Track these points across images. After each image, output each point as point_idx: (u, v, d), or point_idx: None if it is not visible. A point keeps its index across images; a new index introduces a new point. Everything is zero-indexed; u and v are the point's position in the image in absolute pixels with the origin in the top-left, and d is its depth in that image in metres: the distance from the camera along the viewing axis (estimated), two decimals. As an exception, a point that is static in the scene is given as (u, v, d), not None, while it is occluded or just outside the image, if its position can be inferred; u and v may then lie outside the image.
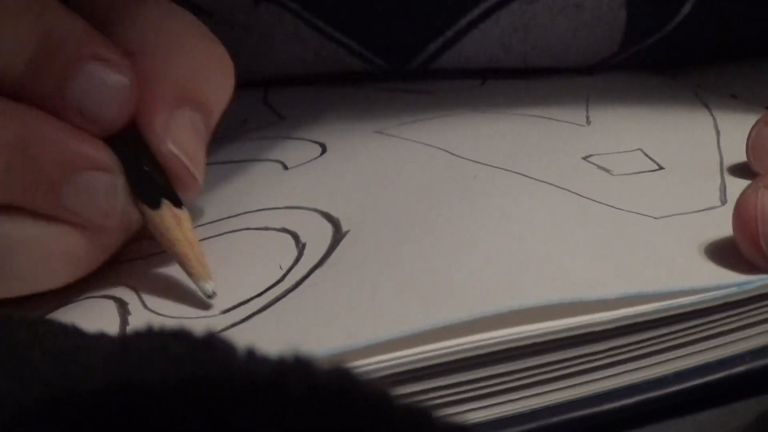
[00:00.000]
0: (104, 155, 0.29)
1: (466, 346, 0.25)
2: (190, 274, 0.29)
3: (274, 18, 0.42)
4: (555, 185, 0.32)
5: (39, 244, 0.29)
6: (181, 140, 0.30)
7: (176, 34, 0.31)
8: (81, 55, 0.28)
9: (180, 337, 0.19)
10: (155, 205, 0.29)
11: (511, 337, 0.25)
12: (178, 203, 0.30)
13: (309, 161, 0.37)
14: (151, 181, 0.29)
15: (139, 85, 0.29)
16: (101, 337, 0.20)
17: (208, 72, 0.31)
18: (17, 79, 0.28)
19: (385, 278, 0.28)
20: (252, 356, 0.19)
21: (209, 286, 0.28)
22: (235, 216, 0.34)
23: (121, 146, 0.29)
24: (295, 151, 0.38)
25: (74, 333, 0.21)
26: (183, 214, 0.30)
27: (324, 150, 0.38)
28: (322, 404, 0.17)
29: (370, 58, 0.43)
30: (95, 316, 0.29)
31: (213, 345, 0.19)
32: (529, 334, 0.25)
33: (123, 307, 0.29)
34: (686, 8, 0.41)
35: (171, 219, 0.29)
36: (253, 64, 0.43)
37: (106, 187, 0.29)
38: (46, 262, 0.29)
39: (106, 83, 0.29)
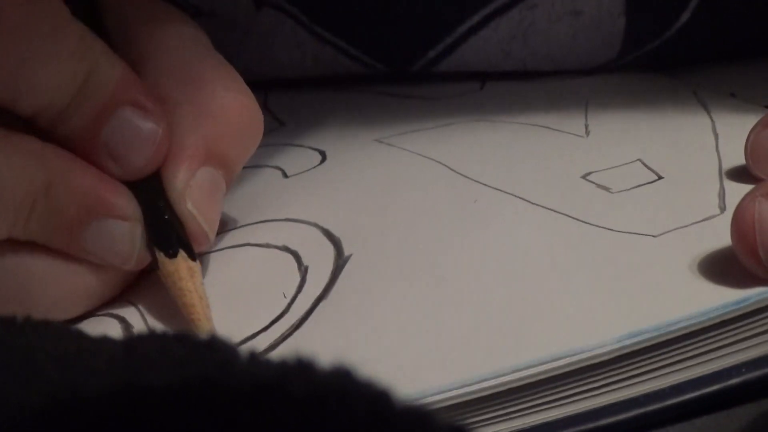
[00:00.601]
0: (125, 204, 0.29)
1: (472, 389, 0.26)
2: (194, 325, 0.29)
3: (275, 22, 0.42)
4: (554, 210, 0.32)
5: (57, 279, 0.29)
6: (199, 199, 0.30)
7: (212, 88, 0.31)
8: (119, 100, 0.29)
9: (182, 339, 0.19)
10: (172, 254, 0.30)
11: (511, 380, 0.26)
12: (192, 255, 0.30)
13: (309, 170, 0.37)
14: (170, 230, 0.30)
15: (169, 136, 0.30)
16: (104, 340, 0.21)
17: (238, 129, 0.31)
18: (55, 116, 0.29)
19: (388, 324, 0.28)
20: (254, 358, 0.19)
21: None
22: (236, 228, 0.34)
23: (142, 191, 0.30)
24: (295, 158, 0.38)
25: (78, 336, 0.21)
26: (196, 266, 0.30)
27: (324, 158, 0.38)
28: (323, 406, 0.17)
29: (369, 64, 0.43)
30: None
31: (215, 347, 0.19)
32: (527, 375, 0.26)
33: (128, 329, 0.30)
34: (685, 15, 0.41)
35: (185, 270, 0.29)
36: (253, 66, 0.43)
37: (124, 235, 0.29)
38: (63, 296, 0.30)
39: (139, 130, 0.29)
